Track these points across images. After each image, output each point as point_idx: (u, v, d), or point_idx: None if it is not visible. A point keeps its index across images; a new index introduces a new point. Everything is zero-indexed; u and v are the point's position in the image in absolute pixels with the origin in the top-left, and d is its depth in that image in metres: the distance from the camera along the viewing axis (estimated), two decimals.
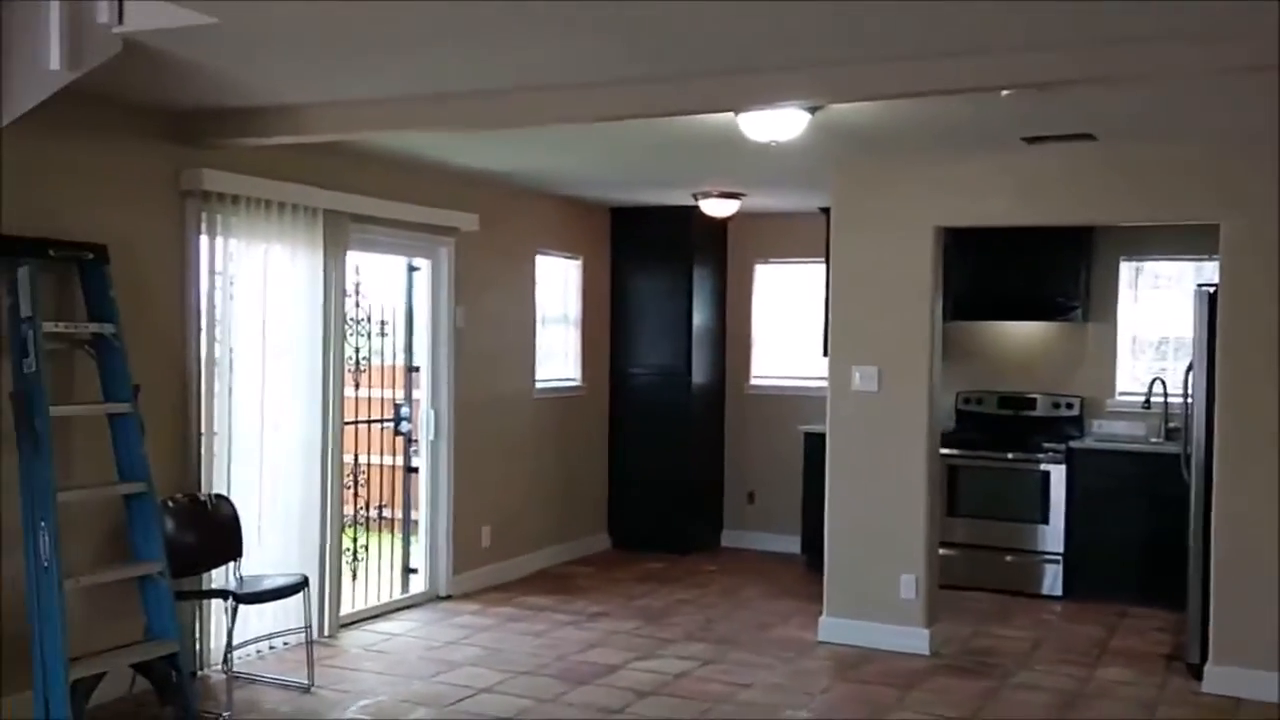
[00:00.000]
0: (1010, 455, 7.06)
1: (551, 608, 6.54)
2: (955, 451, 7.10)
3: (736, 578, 7.44)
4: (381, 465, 6.67)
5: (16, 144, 3.46)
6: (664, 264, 8.13)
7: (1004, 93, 3.80)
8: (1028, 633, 6.15)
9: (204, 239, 5.04)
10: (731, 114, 4.42)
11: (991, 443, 7.15)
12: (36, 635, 4.03)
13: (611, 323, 8.30)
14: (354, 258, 5.95)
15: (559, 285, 7.92)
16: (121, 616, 4.48)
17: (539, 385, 7.58)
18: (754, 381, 8.50)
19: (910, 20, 3.21)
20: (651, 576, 7.41)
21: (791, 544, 7.92)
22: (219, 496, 5.04)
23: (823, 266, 6.37)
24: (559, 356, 7.94)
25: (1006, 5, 3.06)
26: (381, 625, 6.09)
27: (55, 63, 3.24)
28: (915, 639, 5.71)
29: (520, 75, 4.03)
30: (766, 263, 8.48)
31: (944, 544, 6.59)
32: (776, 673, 5.39)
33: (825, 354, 6.13)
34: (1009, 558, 7.03)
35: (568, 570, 7.57)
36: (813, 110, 4.43)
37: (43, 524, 4.04)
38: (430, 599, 6.63)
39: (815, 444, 6.79)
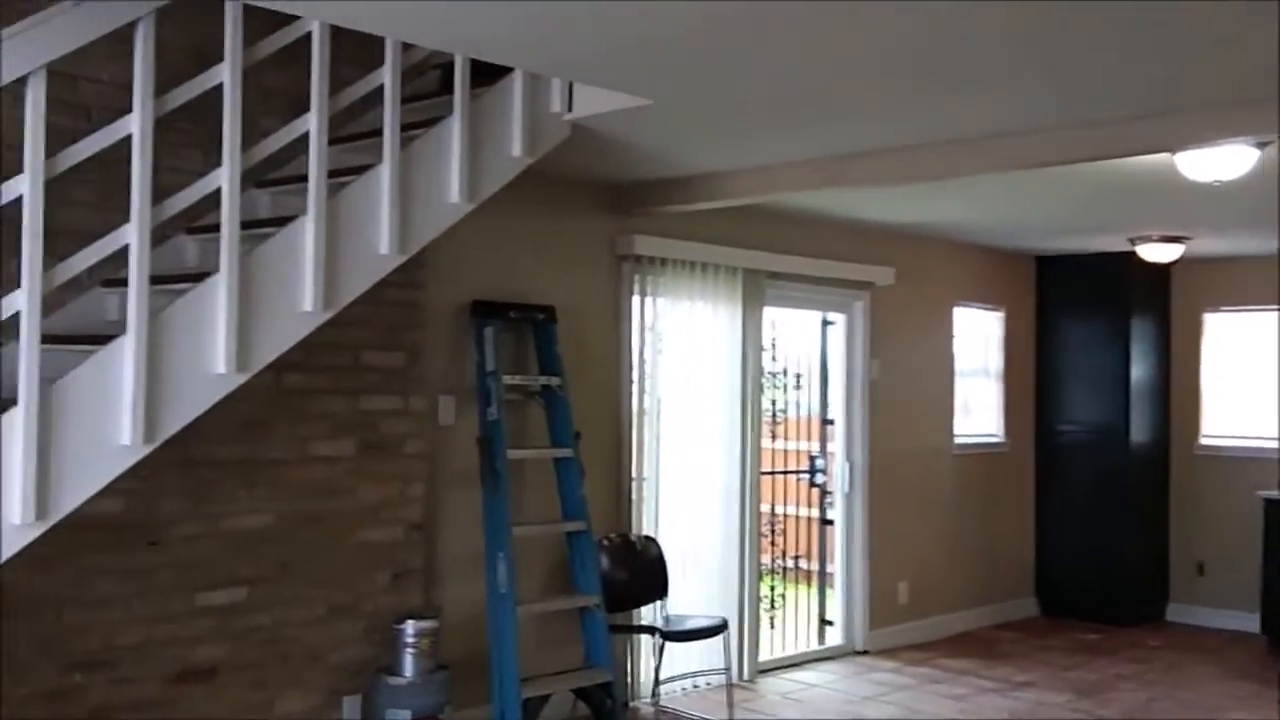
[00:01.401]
0: None
1: (973, 672, 6.30)
2: None
3: (1183, 654, 6.76)
4: (797, 516, 6.80)
5: (484, 222, 4.00)
6: (1097, 314, 7.64)
7: None
8: None
9: (636, 298, 5.48)
10: (1168, 154, 4.14)
11: None
12: (494, 655, 4.54)
13: (1037, 377, 7.92)
14: (770, 313, 6.17)
15: (979, 338, 7.69)
16: (564, 645, 4.92)
17: (958, 440, 7.38)
18: (1204, 441, 7.72)
19: None
20: (1085, 648, 6.92)
21: (1248, 621, 7.07)
22: (647, 538, 5.40)
23: None
24: (980, 411, 7.69)
25: None
26: (798, 674, 6.18)
27: (517, 149, 3.71)
28: None
29: (938, 130, 4.04)
30: (1218, 311, 7.71)
31: None
32: None
33: None
34: None
35: (991, 634, 7.25)
36: (1262, 145, 4.04)
37: (501, 554, 4.55)
38: (846, 653, 6.63)
39: (1277, 511, 6.04)
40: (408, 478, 4.49)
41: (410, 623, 4.21)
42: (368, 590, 4.34)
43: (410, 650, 4.18)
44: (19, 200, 2.66)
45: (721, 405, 5.81)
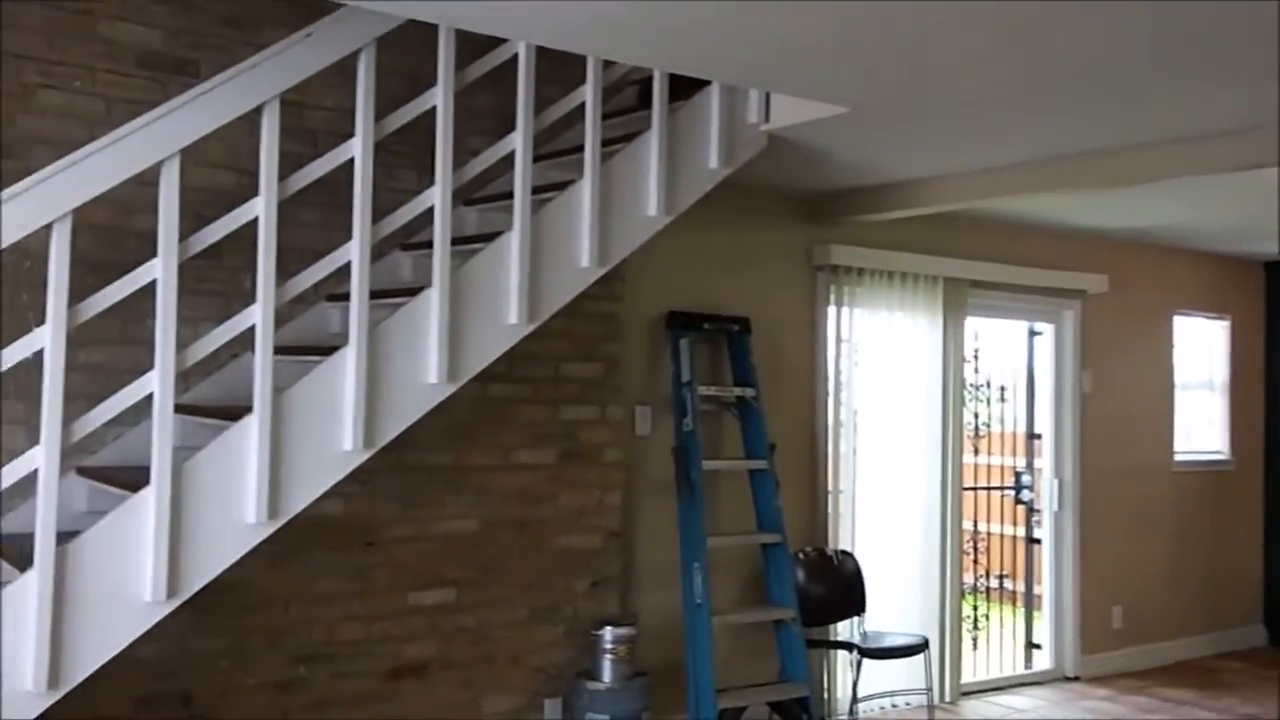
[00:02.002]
0: None
1: (1194, 702, 5.91)
2: None
3: None
4: (1001, 534, 6.56)
5: (680, 233, 4.03)
6: None
7: None
8: None
9: (831, 309, 5.42)
10: None
11: None
12: (690, 664, 4.57)
13: (1267, 390, 7.37)
14: (973, 323, 5.99)
15: (1201, 348, 7.23)
16: (759, 657, 4.90)
17: (1178, 457, 6.95)
18: None
19: None
20: None
21: None
22: (844, 552, 5.32)
23: None
24: (1202, 427, 7.21)
25: None
26: (1003, 698, 5.95)
27: (714, 161, 3.74)
28: None
29: (1146, 130, 3.84)
30: None
31: None
32: None
33: None
34: None
35: (1213, 664, 6.79)
36: None
37: (696, 564, 4.58)
38: (1055, 678, 6.34)
39: None
40: (606, 486, 4.57)
41: (608, 629, 4.28)
42: (567, 595, 4.44)
43: (609, 656, 4.25)
44: (254, 221, 2.86)
45: (921, 418, 5.66)
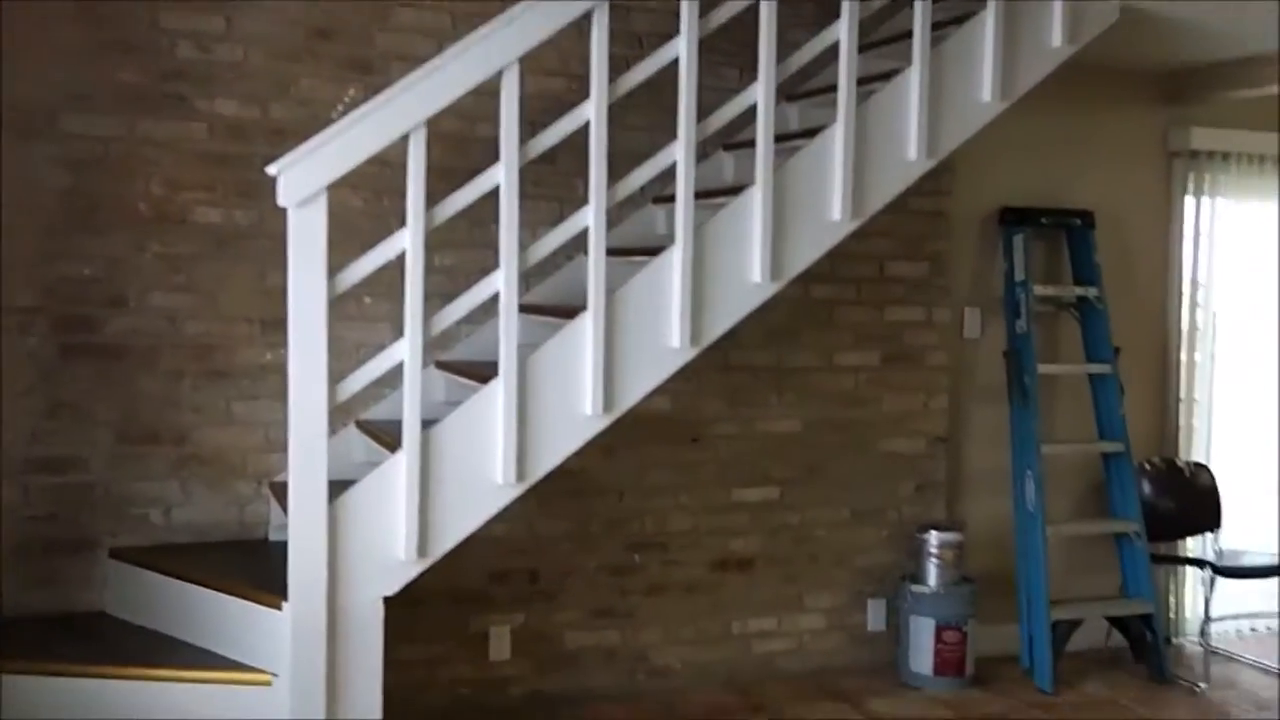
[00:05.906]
0: None
1: None
2: None
3: None
4: None
5: (1015, 121, 3.76)
6: None
7: None
8: None
9: (1189, 200, 4.93)
10: None
11: None
12: (1021, 573, 4.41)
13: None
14: None
15: None
16: (1096, 571, 4.65)
17: None
18: None
19: None
20: None
21: None
22: (1197, 465, 4.90)
23: None
24: None
25: None
26: None
27: (1057, 39, 3.45)
28: None
29: None
30: None
31: None
32: None
33: None
34: None
35: None
36: None
37: (1028, 472, 4.38)
38: None
39: None
40: (931, 390, 4.46)
41: (933, 533, 4.21)
42: (891, 499, 4.40)
43: (934, 560, 4.19)
44: (586, 126, 2.94)
45: None
